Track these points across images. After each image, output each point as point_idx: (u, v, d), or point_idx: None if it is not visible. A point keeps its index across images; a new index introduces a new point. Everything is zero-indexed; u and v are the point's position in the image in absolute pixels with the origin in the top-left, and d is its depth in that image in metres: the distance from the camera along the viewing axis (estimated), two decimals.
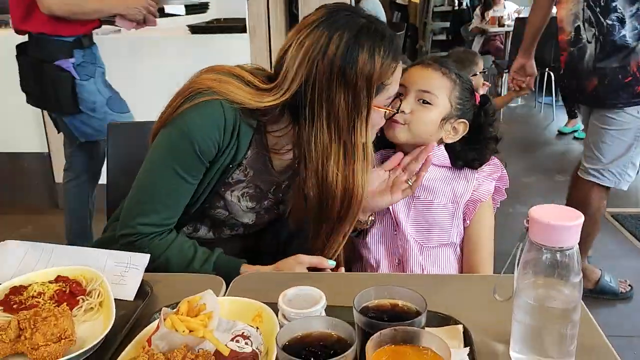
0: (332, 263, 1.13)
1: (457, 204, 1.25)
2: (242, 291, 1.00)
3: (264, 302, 0.87)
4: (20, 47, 2.29)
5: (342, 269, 1.18)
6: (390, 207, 1.25)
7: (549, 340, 0.77)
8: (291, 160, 1.20)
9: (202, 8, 3.36)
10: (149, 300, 0.96)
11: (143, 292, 0.98)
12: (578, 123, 4.96)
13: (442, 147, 1.28)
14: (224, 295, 1.00)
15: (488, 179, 1.27)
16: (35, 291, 0.93)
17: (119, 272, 1.01)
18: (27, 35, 2.25)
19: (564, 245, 0.73)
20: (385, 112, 1.14)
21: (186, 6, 3.16)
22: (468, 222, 1.26)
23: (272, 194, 1.24)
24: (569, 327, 0.75)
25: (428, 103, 1.22)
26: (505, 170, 1.30)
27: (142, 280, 1.01)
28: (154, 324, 0.83)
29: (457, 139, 1.27)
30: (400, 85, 1.20)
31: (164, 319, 0.77)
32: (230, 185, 1.19)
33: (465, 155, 1.27)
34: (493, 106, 1.30)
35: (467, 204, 1.25)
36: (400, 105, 1.20)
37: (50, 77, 2.20)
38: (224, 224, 1.27)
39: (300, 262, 1.12)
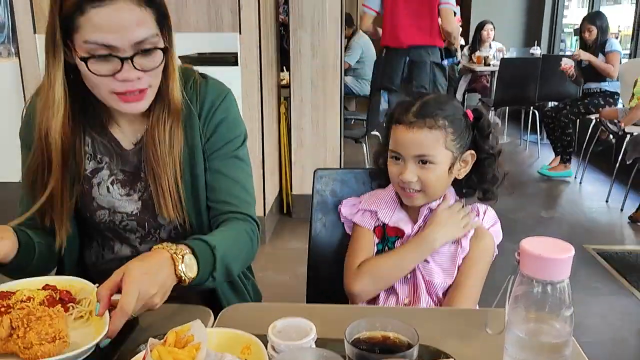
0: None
1: (459, 245, 1.26)
2: (231, 322, 0.98)
3: (253, 334, 0.86)
4: None
5: None
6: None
7: None
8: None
9: None
10: (135, 331, 0.94)
11: (129, 321, 0.96)
12: (569, 170, 4.98)
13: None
14: (213, 326, 0.98)
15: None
16: (24, 296, 0.90)
17: None
18: None
19: (555, 279, 0.73)
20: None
21: None
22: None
23: (143, 172, 1.18)
24: None
25: (429, 162, 1.21)
26: (499, 223, 1.31)
27: None
28: (140, 355, 0.81)
29: (470, 167, 1.27)
30: (394, 151, 1.22)
31: (151, 350, 0.75)
32: (90, 177, 1.17)
33: (476, 185, 1.29)
34: (487, 120, 1.27)
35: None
36: (404, 175, 1.21)
37: None
38: (119, 229, 1.20)
39: None
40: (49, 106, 1.07)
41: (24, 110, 1.19)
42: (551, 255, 0.73)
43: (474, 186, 1.30)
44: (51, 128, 1.08)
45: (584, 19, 4.98)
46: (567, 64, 5.00)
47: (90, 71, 1.01)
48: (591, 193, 4.47)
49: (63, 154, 1.10)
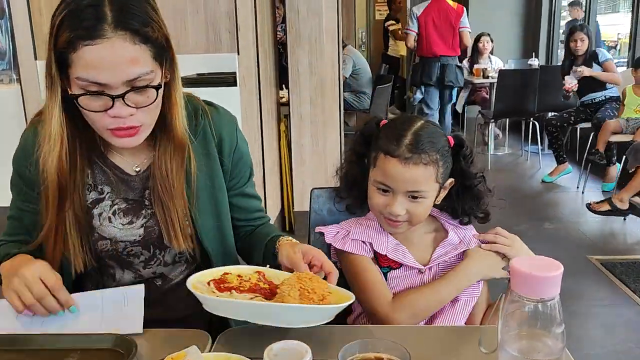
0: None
1: None
2: (228, 345, 0.99)
3: (250, 357, 0.86)
4: None
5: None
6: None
7: None
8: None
9: None
10: (134, 356, 0.94)
11: (128, 348, 0.97)
12: (568, 167, 5.03)
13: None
14: (211, 350, 0.99)
15: None
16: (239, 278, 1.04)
17: (119, 308, 1.05)
18: None
19: (545, 296, 0.74)
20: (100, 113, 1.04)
21: None
22: None
23: (147, 200, 1.18)
24: None
25: (421, 197, 1.19)
26: None
27: (126, 337, 0.99)
28: None
29: (446, 192, 1.27)
30: (383, 184, 1.20)
31: None
32: (90, 208, 1.17)
33: (474, 211, 1.29)
34: (469, 146, 1.26)
35: None
36: (392, 208, 1.20)
37: None
38: (122, 256, 1.20)
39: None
40: (46, 141, 1.07)
41: (22, 135, 1.20)
42: (541, 273, 0.73)
43: (471, 213, 1.29)
44: (47, 163, 1.08)
45: (572, 29, 4.97)
46: (571, 84, 4.95)
47: (82, 107, 1.02)
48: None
49: (60, 189, 1.10)
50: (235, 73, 3.17)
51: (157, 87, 1.04)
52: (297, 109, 3.74)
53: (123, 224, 1.18)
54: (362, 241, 1.28)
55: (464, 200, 1.28)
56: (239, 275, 1.05)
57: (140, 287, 1.06)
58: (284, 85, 3.99)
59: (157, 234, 1.19)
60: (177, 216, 1.15)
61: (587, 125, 4.96)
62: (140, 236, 1.19)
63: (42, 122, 1.08)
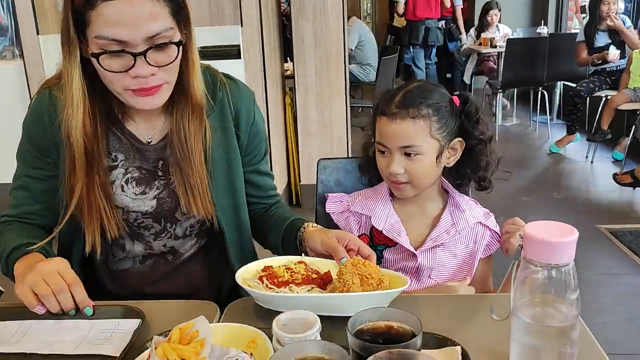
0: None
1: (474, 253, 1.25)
2: (236, 316, 0.98)
3: (259, 327, 0.86)
4: None
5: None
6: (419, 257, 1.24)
7: None
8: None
9: None
10: (141, 328, 0.94)
11: (135, 320, 0.96)
12: (577, 136, 4.96)
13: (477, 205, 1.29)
14: (219, 321, 0.98)
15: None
16: (285, 268, 1.02)
17: (103, 337, 0.95)
18: None
19: (560, 262, 0.72)
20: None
21: None
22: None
23: (161, 170, 1.17)
24: (568, 346, 0.74)
25: (415, 153, 1.18)
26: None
27: (134, 308, 0.99)
28: (145, 354, 0.81)
29: (459, 156, 1.24)
30: (380, 144, 1.20)
31: (155, 348, 0.75)
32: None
33: (469, 174, 1.26)
34: (475, 104, 1.24)
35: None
36: (391, 167, 1.19)
37: None
38: (132, 227, 1.18)
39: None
40: (68, 104, 1.05)
41: (32, 100, 1.16)
42: (555, 239, 0.72)
43: (467, 175, 1.27)
44: (72, 128, 1.06)
45: None
46: (615, 55, 4.75)
47: (103, 67, 0.99)
48: (603, 172, 4.42)
49: (87, 154, 1.08)
50: (239, 46, 3.13)
51: (178, 44, 1.02)
52: (302, 82, 3.70)
53: (136, 194, 1.16)
54: (361, 214, 1.28)
55: (463, 162, 1.25)
56: (287, 268, 1.02)
57: (136, 322, 0.97)
58: (288, 58, 3.94)
59: (170, 206, 1.17)
60: (196, 182, 1.13)
61: (612, 92, 4.78)
62: (152, 208, 1.17)
63: (62, 87, 1.06)
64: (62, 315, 0.98)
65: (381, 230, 1.25)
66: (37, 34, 3.13)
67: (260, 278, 1.00)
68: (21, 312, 0.99)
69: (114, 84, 1.03)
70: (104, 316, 0.99)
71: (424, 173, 1.21)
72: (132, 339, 0.90)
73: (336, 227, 1.33)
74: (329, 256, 1.08)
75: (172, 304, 1.07)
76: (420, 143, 1.17)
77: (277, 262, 1.06)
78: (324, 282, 1.00)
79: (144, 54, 0.98)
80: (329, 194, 1.37)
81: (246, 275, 1.03)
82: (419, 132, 1.17)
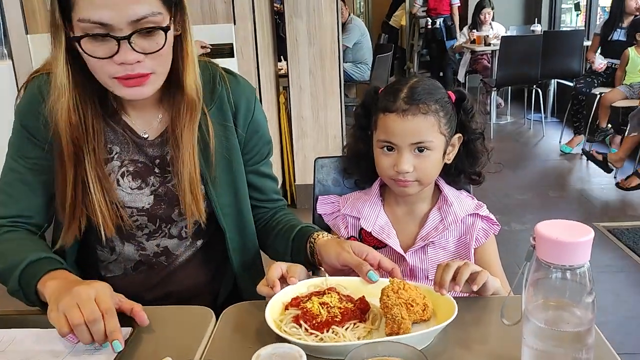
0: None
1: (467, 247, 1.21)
2: (232, 322, 0.95)
3: (255, 334, 0.81)
4: None
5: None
6: (409, 259, 1.20)
7: None
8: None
9: None
10: (132, 337, 0.89)
11: (126, 328, 0.90)
12: (583, 140, 4.94)
13: (464, 198, 1.25)
14: (214, 328, 0.94)
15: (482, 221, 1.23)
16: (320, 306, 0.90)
17: (93, 346, 0.88)
18: None
19: (575, 264, 0.68)
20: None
21: None
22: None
23: (158, 167, 1.13)
24: (583, 352, 0.70)
25: (426, 149, 1.15)
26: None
27: (125, 315, 0.92)
28: None
29: (457, 150, 1.23)
30: (387, 142, 1.16)
31: None
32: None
33: (467, 168, 1.23)
34: (470, 100, 1.22)
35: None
36: (400, 166, 1.14)
37: None
38: (125, 226, 1.12)
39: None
40: (53, 90, 1.00)
41: (24, 86, 1.10)
42: (570, 239, 0.68)
43: (464, 170, 1.24)
44: (57, 114, 1.01)
45: None
46: (601, 64, 4.78)
47: (86, 53, 0.95)
48: (599, 170, 4.40)
49: (72, 141, 1.03)
50: (232, 44, 3.09)
51: (165, 29, 0.97)
52: (296, 81, 3.66)
53: (132, 188, 1.11)
54: (351, 216, 1.26)
55: (460, 157, 1.23)
56: (321, 303, 0.90)
57: (127, 329, 0.90)
58: (282, 57, 3.90)
59: (167, 204, 1.13)
60: (192, 178, 1.09)
61: (605, 89, 4.72)
62: (148, 204, 1.12)
63: (52, 74, 1.01)
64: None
65: (370, 232, 1.22)
66: (26, 33, 3.08)
67: (296, 320, 0.89)
68: (6, 321, 0.94)
69: (99, 72, 0.98)
70: None
71: (432, 169, 1.18)
72: (123, 348, 0.85)
73: (328, 228, 1.30)
74: (347, 270, 1.02)
75: (166, 310, 1.02)
76: (432, 139, 1.14)
77: (302, 288, 0.97)
78: (362, 311, 0.91)
79: (127, 38, 0.93)
80: (320, 196, 1.35)
81: (275, 314, 0.92)
82: (429, 127, 1.14)
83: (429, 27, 7.75)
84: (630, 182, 3.91)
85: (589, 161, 4.17)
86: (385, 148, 1.18)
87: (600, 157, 4.12)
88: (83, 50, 0.95)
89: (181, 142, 1.07)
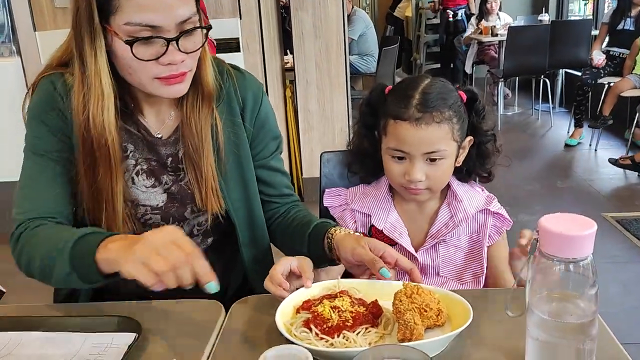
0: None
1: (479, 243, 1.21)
2: (242, 316, 0.96)
3: (264, 327, 0.83)
4: None
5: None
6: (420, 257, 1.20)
7: (566, 358, 0.73)
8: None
9: None
10: (137, 343, 0.88)
11: (133, 327, 0.91)
12: (583, 133, 4.91)
13: (479, 192, 1.23)
14: (223, 321, 0.96)
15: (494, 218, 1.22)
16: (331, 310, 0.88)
17: (96, 352, 0.88)
18: None
19: (578, 256, 0.69)
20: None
21: None
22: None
23: (170, 166, 1.13)
24: (586, 343, 0.71)
25: (441, 158, 1.12)
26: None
27: (131, 319, 0.93)
28: None
29: (467, 152, 1.20)
30: (398, 150, 1.13)
31: None
32: None
33: (479, 168, 1.22)
34: (482, 103, 1.19)
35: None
36: (412, 175, 1.12)
37: None
38: (139, 223, 1.13)
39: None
40: (99, 99, 1.01)
41: (33, 87, 1.10)
42: (573, 232, 0.69)
43: (475, 171, 1.23)
44: (106, 122, 1.02)
45: None
46: (599, 60, 4.77)
47: (135, 56, 0.96)
48: (607, 160, 4.39)
49: (108, 146, 1.03)
50: (238, 39, 3.10)
51: (207, 28, 1.01)
52: (302, 74, 3.66)
53: (147, 187, 1.13)
54: (361, 212, 1.24)
55: (470, 158, 1.21)
56: (332, 307, 0.88)
57: (131, 336, 0.90)
58: (288, 50, 3.90)
59: (180, 203, 1.14)
60: (207, 174, 1.10)
61: (614, 79, 4.68)
62: (162, 202, 1.13)
63: (86, 78, 1.00)
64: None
65: (381, 230, 1.21)
66: (34, 30, 3.11)
67: (307, 324, 0.87)
68: (13, 323, 0.95)
69: (140, 73, 0.99)
70: (98, 329, 0.93)
71: (444, 176, 1.16)
72: (127, 354, 0.84)
73: (334, 220, 1.28)
74: (360, 265, 1.01)
75: (175, 304, 1.03)
76: (446, 147, 1.11)
77: (314, 291, 0.96)
78: (374, 316, 0.89)
79: (176, 39, 0.96)
80: (327, 189, 1.33)
81: (285, 317, 0.91)
82: (443, 136, 1.10)
83: (450, 19, 7.58)
84: (624, 160, 3.92)
85: (622, 169, 4.07)
86: (395, 157, 1.14)
87: (628, 162, 4.03)
88: (133, 53, 0.96)
89: (202, 134, 1.09)
